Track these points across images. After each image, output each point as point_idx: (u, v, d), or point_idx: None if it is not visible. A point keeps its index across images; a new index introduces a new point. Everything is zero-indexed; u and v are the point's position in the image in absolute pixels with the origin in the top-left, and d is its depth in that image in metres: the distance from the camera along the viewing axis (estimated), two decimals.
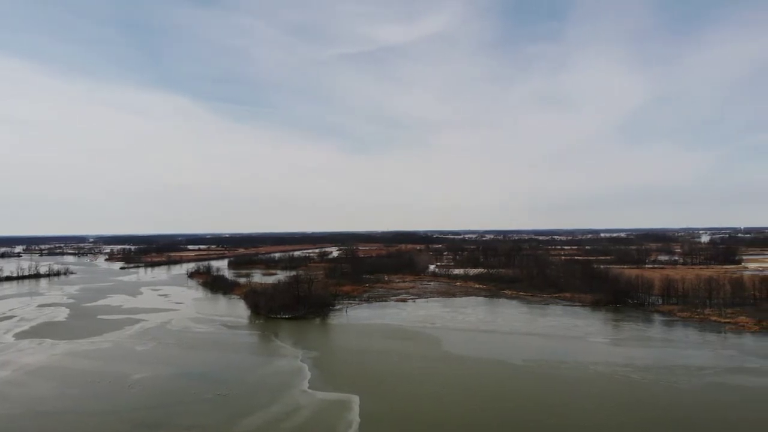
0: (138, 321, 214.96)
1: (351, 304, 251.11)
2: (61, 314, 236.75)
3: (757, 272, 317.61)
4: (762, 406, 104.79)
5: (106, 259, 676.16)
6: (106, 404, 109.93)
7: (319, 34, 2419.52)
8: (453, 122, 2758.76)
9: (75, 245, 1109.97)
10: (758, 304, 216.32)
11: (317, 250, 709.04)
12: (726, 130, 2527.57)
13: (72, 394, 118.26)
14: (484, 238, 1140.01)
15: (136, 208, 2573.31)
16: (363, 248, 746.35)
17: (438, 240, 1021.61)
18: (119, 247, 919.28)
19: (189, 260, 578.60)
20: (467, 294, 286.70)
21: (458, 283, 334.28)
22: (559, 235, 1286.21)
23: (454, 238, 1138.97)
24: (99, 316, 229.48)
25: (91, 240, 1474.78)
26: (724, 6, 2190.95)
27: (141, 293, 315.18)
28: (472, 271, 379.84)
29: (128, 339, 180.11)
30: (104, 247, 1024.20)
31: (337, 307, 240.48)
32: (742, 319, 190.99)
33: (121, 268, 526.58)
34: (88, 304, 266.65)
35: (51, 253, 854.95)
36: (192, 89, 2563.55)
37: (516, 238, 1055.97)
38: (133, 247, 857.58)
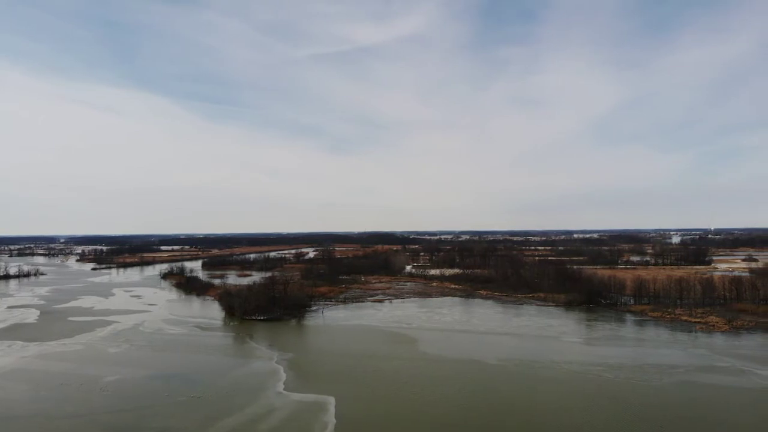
0: (110, 323, 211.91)
1: (327, 305, 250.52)
2: (32, 316, 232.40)
3: (726, 273, 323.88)
4: (731, 403, 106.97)
5: (78, 260, 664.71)
6: (79, 407, 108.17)
7: (294, 33, 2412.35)
8: (429, 123, 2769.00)
9: (45, 246, 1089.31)
10: (728, 305, 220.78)
11: (293, 251, 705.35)
12: (697, 133, 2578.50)
13: (43, 396, 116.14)
14: (459, 239, 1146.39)
15: (109, 208, 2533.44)
16: (339, 249, 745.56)
17: (414, 241, 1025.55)
18: (91, 247, 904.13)
19: (162, 261, 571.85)
20: (443, 294, 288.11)
21: (434, 284, 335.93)
22: (533, 235, 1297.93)
23: (430, 239, 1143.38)
24: (70, 318, 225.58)
25: (62, 240, 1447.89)
26: (696, 11, 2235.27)
27: (113, 295, 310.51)
28: (448, 272, 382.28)
29: (100, 341, 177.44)
30: (75, 247, 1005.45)
31: (313, 308, 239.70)
32: (712, 318, 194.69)
33: (93, 269, 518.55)
34: (59, 306, 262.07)
35: (21, 253, 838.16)
36: (166, 88, 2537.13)
37: (491, 238, 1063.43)
38: (105, 248, 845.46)
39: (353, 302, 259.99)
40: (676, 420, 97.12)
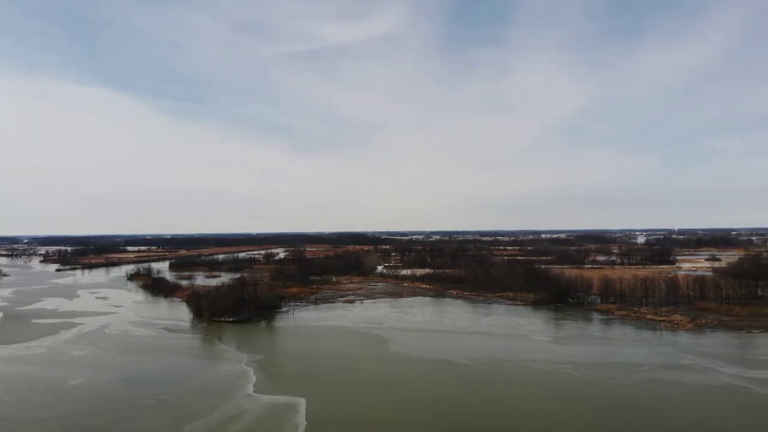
0: (75, 325, 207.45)
1: (298, 306, 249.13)
2: None
3: (690, 272, 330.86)
4: (694, 399, 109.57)
5: (41, 261, 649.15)
6: (44, 411, 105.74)
7: (265, 31, 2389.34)
8: (400, 123, 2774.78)
9: (8, 246, 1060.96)
10: (692, 303, 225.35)
11: (263, 252, 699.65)
12: (664, 135, 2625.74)
13: (7, 400, 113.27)
14: (430, 239, 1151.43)
15: (73, 208, 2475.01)
16: (310, 249, 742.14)
17: (386, 241, 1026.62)
18: (55, 248, 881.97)
19: (128, 262, 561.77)
20: (414, 294, 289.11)
21: (406, 284, 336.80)
22: (502, 236, 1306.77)
23: (401, 239, 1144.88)
24: (34, 320, 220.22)
25: (25, 241, 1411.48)
26: (664, 14, 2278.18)
27: (78, 296, 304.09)
28: (419, 272, 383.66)
29: (65, 343, 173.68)
30: (39, 248, 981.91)
31: (284, 309, 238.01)
32: (676, 317, 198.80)
33: (57, 270, 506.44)
34: (23, 308, 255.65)
35: None
36: (132, 85, 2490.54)
37: (461, 238, 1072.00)
38: (69, 249, 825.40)
39: (324, 303, 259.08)
40: (642, 418, 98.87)
